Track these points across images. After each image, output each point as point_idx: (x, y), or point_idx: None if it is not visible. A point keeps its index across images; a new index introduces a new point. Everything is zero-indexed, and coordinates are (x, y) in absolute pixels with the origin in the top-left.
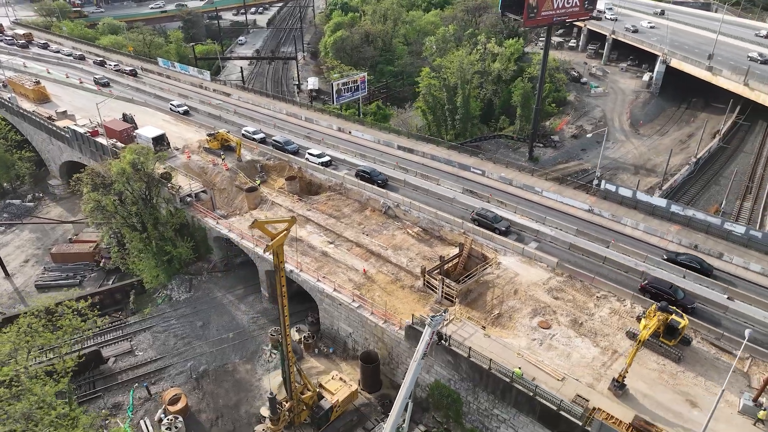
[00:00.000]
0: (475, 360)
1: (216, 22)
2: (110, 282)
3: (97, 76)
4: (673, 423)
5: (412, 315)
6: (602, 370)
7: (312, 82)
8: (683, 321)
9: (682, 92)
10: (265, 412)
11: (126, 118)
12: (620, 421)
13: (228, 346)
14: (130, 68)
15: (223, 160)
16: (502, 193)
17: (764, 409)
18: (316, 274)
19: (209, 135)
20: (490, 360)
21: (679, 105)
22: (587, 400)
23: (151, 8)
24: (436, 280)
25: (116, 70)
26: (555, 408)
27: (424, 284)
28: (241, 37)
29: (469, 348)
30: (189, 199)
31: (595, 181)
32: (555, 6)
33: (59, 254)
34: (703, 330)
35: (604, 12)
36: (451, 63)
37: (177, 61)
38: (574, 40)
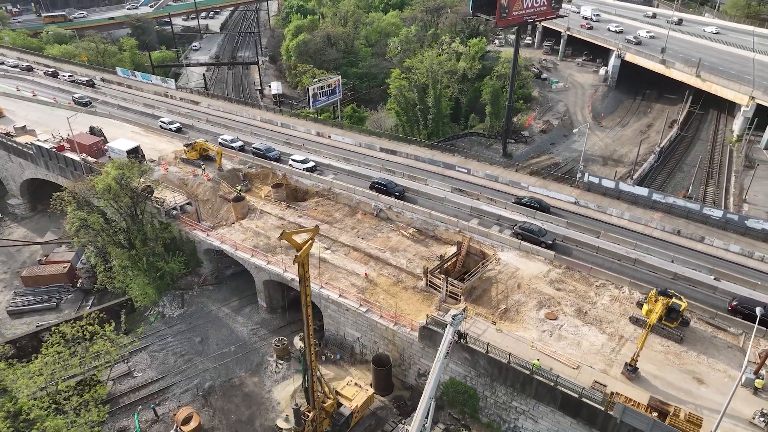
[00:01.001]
0: (493, 355)
1: (166, 28)
2: (89, 303)
3: (76, 95)
4: (684, 400)
5: (427, 315)
6: (612, 355)
7: (275, 87)
8: (683, 303)
9: (637, 85)
10: (282, 424)
11: (94, 131)
12: (638, 403)
13: (231, 360)
14: (87, 79)
15: (203, 170)
16: (490, 191)
17: (760, 378)
18: (319, 281)
19: (186, 145)
20: (510, 354)
21: (635, 97)
22: (605, 386)
23: (128, 9)
24: (440, 279)
25: (71, 81)
26: (577, 396)
27: (426, 284)
28: (195, 43)
29: (488, 344)
30: (174, 212)
31: (578, 174)
32: (525, 6)
33: (30, 277)
34: (698, 310)
35: (591, 18)
36: (420, 63)
37: (132, 69)
38: (530, 38)
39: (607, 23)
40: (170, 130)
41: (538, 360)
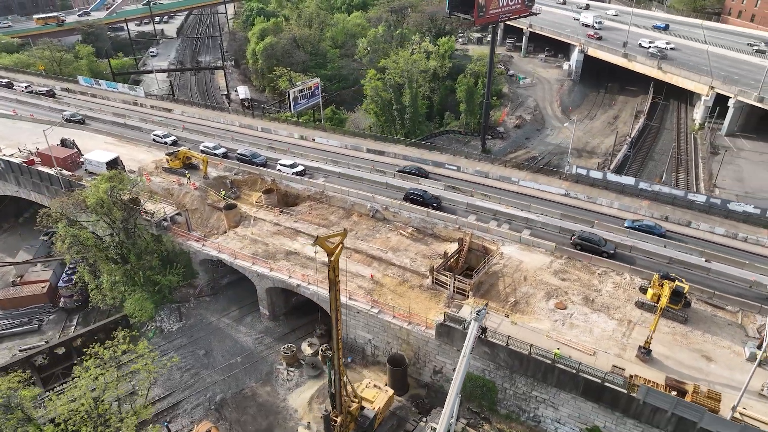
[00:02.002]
0: (514, 347)
1: (120, 33)
2: (74, 323)
3: (66, 113)
4: (697, 378)
5: (444, 313)
6: (624, 340)
7: (243, 92)
8: (686, 285)
9: (598, 78)
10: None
11: (66, 144)
12: (657, 384)
13: (239, 370)
14: (47, 89)
15: (188, 179)
16: (482, 187)
17: (764, 351)
18: (326, 285)
19: (169, 154)
20: (531, 345)
21: (599, 90)
22: (623, 369)
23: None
24: (446, 277)
25: (29, 92)
26: (599, 381)
27: (433, 282)
28: (152, 49)
29: (508, 336)
30: (165, 223)
31: (566, 167)
32: (500, 4)
33: (7, 299)
34: (696, 291)
35: (593, 26)
36: (395, 63)
37: (90, 77)
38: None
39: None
40: (165, 143)
41: (558, 349)
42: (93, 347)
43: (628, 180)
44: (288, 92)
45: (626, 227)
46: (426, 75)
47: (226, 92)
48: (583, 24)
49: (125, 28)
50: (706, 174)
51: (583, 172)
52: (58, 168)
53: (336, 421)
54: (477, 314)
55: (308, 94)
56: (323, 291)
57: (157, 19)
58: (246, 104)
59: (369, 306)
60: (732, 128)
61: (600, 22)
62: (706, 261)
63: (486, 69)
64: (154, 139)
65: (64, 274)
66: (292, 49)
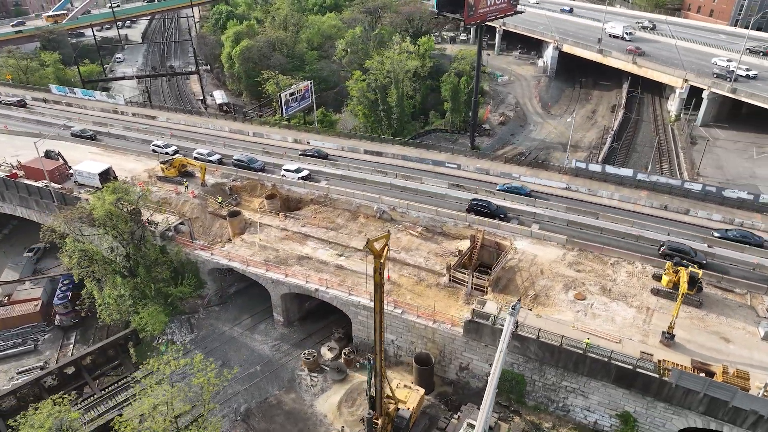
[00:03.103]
0: (545, 339)
1: (82, 40)
2: (72, 341)
3: (75, 128)
4: (719, 359)
5: (472, 310)
6: (645, 326)
7: (219, 96)
8: (699, 271)
9: (572, 74)
10: None
11: (51, 156)
12: (684, 367)
13: (260, 379)
14: (17, 99)
15: (186, 187)
16: (485, 184)
17: None
18: (346, 289)
19: (164, 162)
20: (562, 336)
21: (574, 85)
22: (651, 355)
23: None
24: (464, 274)
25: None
26: (632, 367)
27: (450, 280)
28: (118, 55)
29: (539, 329)
30: (170, 233)
31: (565, 161)
32: (488, 4)
33: None
34: (705, 276)
35: (622, 37)
36: (381, 64)
37: (57, 85)
38: (464, 34)
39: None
40: (167, 154)
41: (588, 338)
42: (147, 363)
43: (627, 172)
44: (279, 95)
45: (498, 190)
46: (409, 74)
47: (201, 97)
48: (610, 35)
49: (89, 33)
50: (687, 163)
51: (583, 165)
52: (47, 181)
53: (377, 424)
54: (513, 309)
55: (299, 97)
56: (343, 294)
57: (118, 24)
58: (224, 109)
59: (392, 307)
60: (706, 119)
61: (631, 33)
62: (708, 247)
63: (469, 67)
64: (153, 150)
65: (58, 291)
66: (269, 52)
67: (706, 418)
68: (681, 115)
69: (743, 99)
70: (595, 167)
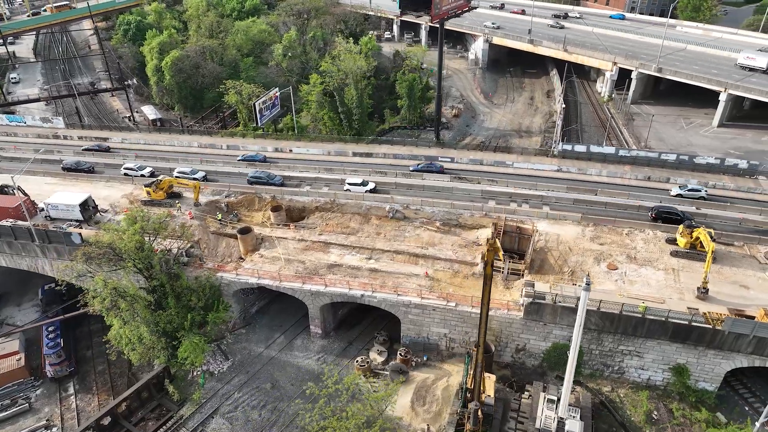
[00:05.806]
0: (605, 309)
1: None
2: (70, 391)
3: (66, 161)
4: (745, 305)
5: (531, 292)
6: (677, 285)
7: (150, 111)
8: (712, 231)
9: (501, 65)
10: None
11: (6, 191)
12: (725, 315)
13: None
14: None
15: (179, 209)
16: (483, 174)
17: None
18: (394, 291)
19: (149, 185)
20: (622, 305)
21: (504, 75)
22: (697, 309)
23: None
24: (500, 260)
25: None
26: (687, 323)
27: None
28: (12, 74)
29: (600, 301)
30: (185, 258)
31: (553, 145)
32: (450, 2)
33: None
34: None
35: None
36: (337, 67)
37: None
38: (388, 32)
39: None
40: (143, 176)
41: (643, 303)
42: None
43: (609, 149)
44: (254, 105)
45: (411, 171)
46: (366, 74)
47: (128, 114)
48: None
49: None
50: (633, 138)
51: (569, 147)
52: (9, 219)
53: (480, 415)
54: (587, 285)
55: (270, 105)
56: (392, 296)
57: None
58: (158, 124)
59: (445, 301)
60: (636, 97)
61: (561, 25)
62: (696, 209)
63: (418, 64)
64: (125, 173)
65: (45, 340)
66: (201, 61)
67: (752, 357)
68: (613, 95)
69: (668, 77)
70: (581, 147)
